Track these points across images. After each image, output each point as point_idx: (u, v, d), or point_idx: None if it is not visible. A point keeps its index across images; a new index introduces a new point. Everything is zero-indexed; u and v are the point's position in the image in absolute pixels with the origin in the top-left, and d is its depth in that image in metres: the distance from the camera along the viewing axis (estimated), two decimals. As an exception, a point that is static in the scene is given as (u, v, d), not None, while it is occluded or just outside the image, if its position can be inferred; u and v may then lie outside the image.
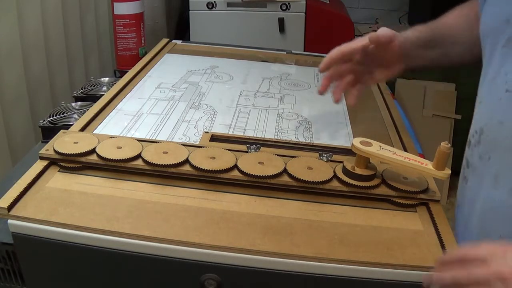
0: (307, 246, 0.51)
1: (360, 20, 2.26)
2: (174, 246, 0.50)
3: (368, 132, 0.76)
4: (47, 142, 0.63)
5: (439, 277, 0.46)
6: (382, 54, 0.70)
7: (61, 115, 0.83)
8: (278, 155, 0.63)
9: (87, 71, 1.31)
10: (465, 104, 1.90)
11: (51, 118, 0.82)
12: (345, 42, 0.71)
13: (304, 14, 1.55)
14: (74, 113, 0.84)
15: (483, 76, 0.59)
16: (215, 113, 0.79)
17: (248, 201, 0.58)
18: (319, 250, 0.51)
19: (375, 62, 0.72)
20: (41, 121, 0.81)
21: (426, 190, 0.59)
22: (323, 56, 0.74)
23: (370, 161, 0.60)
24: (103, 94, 0.85)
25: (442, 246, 0.53)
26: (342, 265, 0.50)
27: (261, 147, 0.66)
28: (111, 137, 0.65)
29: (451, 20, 0.70)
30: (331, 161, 0.64)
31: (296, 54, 1.18)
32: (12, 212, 0.52)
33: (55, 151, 0.60)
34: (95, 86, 0.96)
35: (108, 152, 0.60)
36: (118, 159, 0.59)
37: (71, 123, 0.77)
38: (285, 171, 0.60)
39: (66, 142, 0.62)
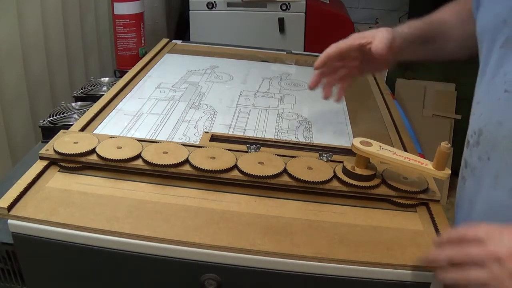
0: (307, 246, 0.51)
1: (360, 20, 2.26)
2: (174, 246, 0.50)
3: (368, 132, 0.76)
4: (47, 142, 0.63)
5: (435, 256, 0.46)
6: None
7: (61, 115, 0.83)
8: (278, 155, 0.63)
9: (87, 71, 1.31)
10: (465, 104, 1.89)
11: (51, 118, 0.82)
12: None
13: (304, 14, 1.55)
14: (74, 113, 0.84)
15: (480, 76, 0.59)
16: (215, 113, 0.79)
17: (248, 201, 0.58)
18: (319, 250, 0.51)
19: (369, 57, 0.71)
20: (41, 121, 0.81)
21: (426, 190, 0.59)
22: (322, 56, 0.73)
23: (370, 161, 0.60)
24: (103, 94, 0.85)
25: (442, 246, 0.53)
26: (342, 265, 0.50)
27: (261, 147, 0.66)
28: (111, 137, 0.65)
29: (444, 16, 0.70)
30: (331, 161, 0.64)
31: (296, 54, 1.18)
32: (12, 212, 0.52)
33: (55, 151, 0.60)
34: (95, 86, 0.96)
35: (108, 152, 0.60)
36: (118, 159, 0.59)
37: (71, 123, 0.77)
38: (285, 171, 0.60)
39: (66, 142, 0.62)
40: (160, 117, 0.76)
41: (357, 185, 0.58)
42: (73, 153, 0.60)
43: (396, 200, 0.59)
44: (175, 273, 0.52)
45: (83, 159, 0.60)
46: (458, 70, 1.95)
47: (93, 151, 0.61)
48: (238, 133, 0.73)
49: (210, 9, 1.55)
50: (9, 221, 0.52)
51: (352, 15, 1.71)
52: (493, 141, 0.54)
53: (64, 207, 0.54)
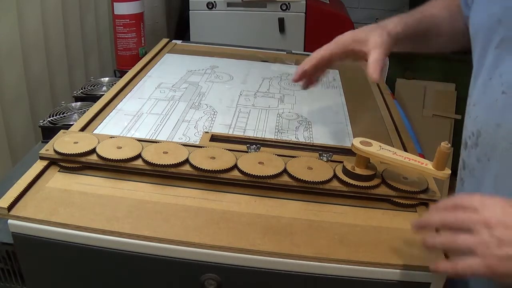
0: (307, 246, 0.51)
1: (360, 20, 2.25)
2: (174, 246, 0.50)
3: (368, 132, 0.76)
4: (47, 142, 0.63)
5: (428, 218, 0.46)
6: None
7: (61, 115, 0.83)
8: (278, 155, 0.63)
9: (87, 71, 1.31)
10: (465, 104, 1.90)
11: (51, 118, 0.82)
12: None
13: (304, 14, 1.55)
14: (74, 113, 0.84)
15: (474, 77, 0.59)
16: (215, 113, 0.79)
17: (248, 201, 0.58)
18: (319, 250, 0.51)
19: (358, 57, 0.70)
20: (41, 121, 0.81)
21: (426, 190, 0.59)
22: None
23: (370, 161, 0.60)
24: (103, 94, 0.85)
25: (442, 246, 0.53)
26: (342, 265, 0.50)
27: (261, 147, 0.66)
28: (111, 137, 0.65)
29: (433, 11, 0.70)
30: (331, 161, 0.64)
31: (296, 54, 1.18)
32: (12, 212, 0.52)
33: (55, 151, 0.60)
34: (95, 86, 0.96)
35: (108, 152, 0.60)
36: (118, 159, 0.59)
37: (71, 123, 0.77)
38: (285, 171, 0.60)
39: (66, 142, 0.62)
40: (160, 117, 0.76)
41: (357, 185, 0.58)
42: (73, 153, 0.60)
43: (396, 200, 0.59)
44: (175, 273, 0.52)
45: (83, 159, 0.60)
46: (458, 70, 1.95)
47: (93, 151, 0.61)
48: (238, 133, 0.73)
49: (210, 9, 1.55)
50: (9, 221, 0.52)
51: (352, 15, 1.71)
52: (492, 142, 0.54)
53: (64, 207, 0.54)
